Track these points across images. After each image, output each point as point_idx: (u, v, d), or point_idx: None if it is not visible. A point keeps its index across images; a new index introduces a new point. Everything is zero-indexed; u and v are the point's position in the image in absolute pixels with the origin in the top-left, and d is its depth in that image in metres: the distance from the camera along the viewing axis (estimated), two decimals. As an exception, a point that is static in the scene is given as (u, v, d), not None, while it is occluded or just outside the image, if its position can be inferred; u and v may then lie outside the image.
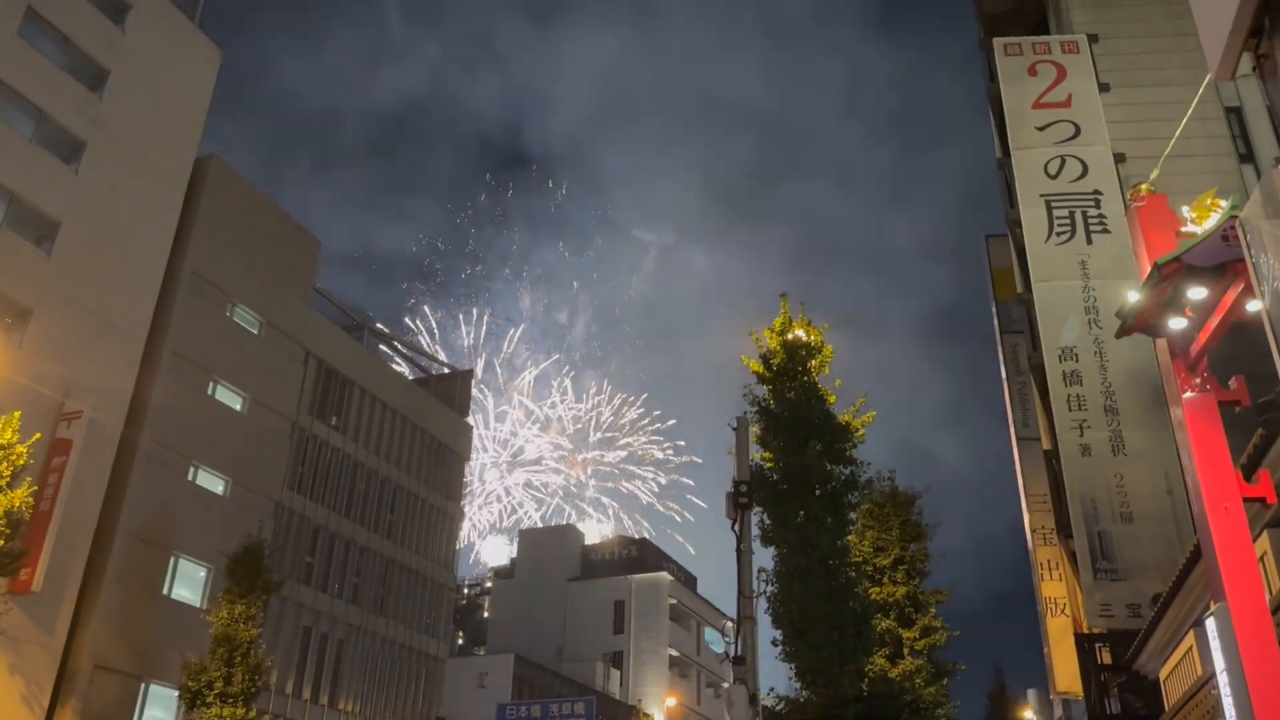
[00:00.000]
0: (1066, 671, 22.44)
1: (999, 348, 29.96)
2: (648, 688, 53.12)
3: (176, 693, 24.38)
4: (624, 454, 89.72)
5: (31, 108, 25.53)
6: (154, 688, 26.99)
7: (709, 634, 60.24)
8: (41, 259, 25.23)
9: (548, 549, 59.47)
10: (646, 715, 48.15)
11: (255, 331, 32.51)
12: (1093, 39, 23.88)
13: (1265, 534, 12.11)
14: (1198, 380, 10.57)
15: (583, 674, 50.52)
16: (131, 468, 26.99)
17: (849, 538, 18.22)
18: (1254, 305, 9.08)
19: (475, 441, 74.01)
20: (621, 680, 53.33)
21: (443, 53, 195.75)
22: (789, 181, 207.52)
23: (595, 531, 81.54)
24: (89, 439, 24.73)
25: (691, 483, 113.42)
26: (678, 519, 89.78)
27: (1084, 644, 19.55)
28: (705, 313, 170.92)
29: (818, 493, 17.33)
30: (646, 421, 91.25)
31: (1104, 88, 23.17)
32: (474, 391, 75.83)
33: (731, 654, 16.35)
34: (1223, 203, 10.00)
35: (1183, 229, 10.78)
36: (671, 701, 52.03)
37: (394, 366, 45.82)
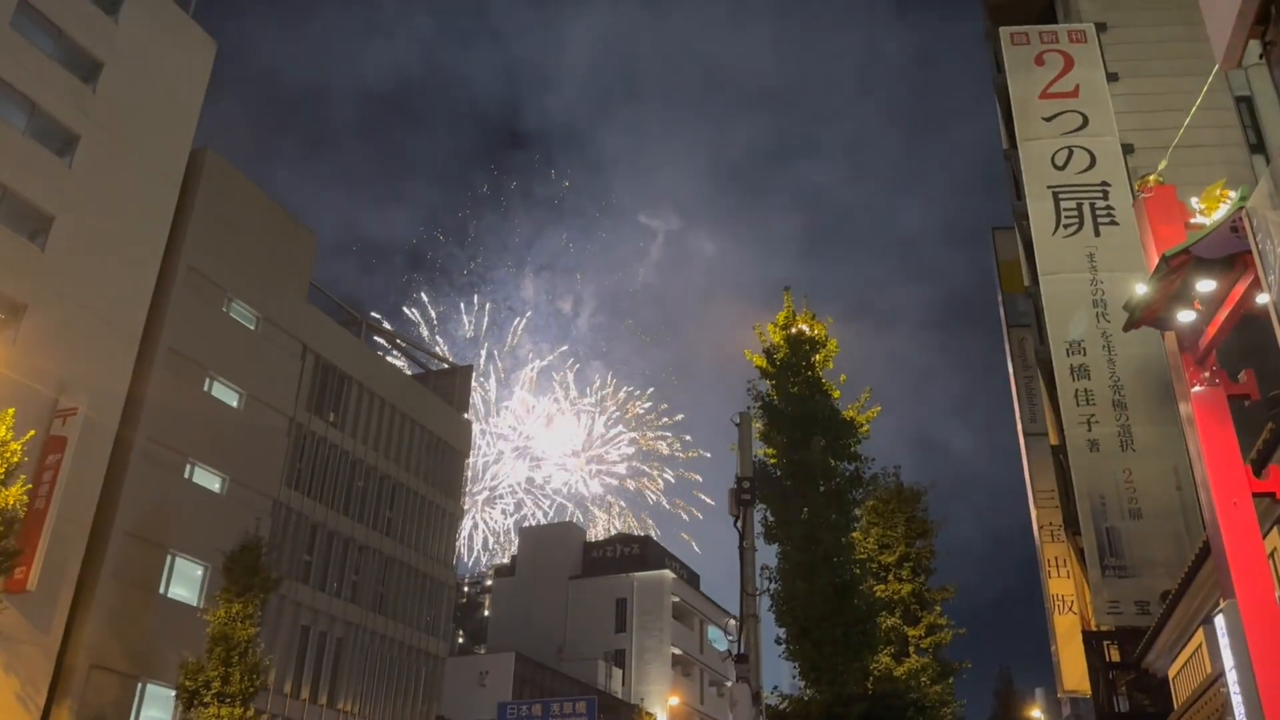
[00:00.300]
0: (1074, 669, 22.22)
1: (1006, 341, 29.69)
2: (650, 686, 52.92)
3: (174, 692, 24.17)
4: (630, 450, 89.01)
5: (24, 100, 25.28)
6: (151, 687, 26.80)
7: (712, 632, 60.04)
8: (35, 254, 24.99)
9: (549, 546, 59.31)
10: (649, 714, 47.93)
11: (252, 327, 32.29)
12: (1100, 28, 23.63)
13: (1275, 530, 11.90)
14: (1206, 374, 10.41)
15: (584, 673, 50.34)
16: (127, 465, 26.77)
17: (853, 534, 18.00)
18: (1263, 298, 8.87)
19: (477, 437, 73.98)
20: (624, 679, 53.15)
21: (436, 28, 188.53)
22: (798, 163, 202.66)
23: (603, 529, 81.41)
24: (84, 436, 24.50)
25: (700, 478, 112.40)
26: (685, 517, 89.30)
27: (1092, 642, 19.35)
28: (713, 301, 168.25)
29: (821, 489, 17.12)
30: (652, 417, 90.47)
31: (1112, 77, 22.92)
32: (475, 386, 75.86)
33: (734, 652, 16.13)
34: (1232, 193, 9.78)
35: (1191, 220, 10.60)
36: (674, 700, 51.85)
37: (392, 360, 45.63)
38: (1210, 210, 10.10)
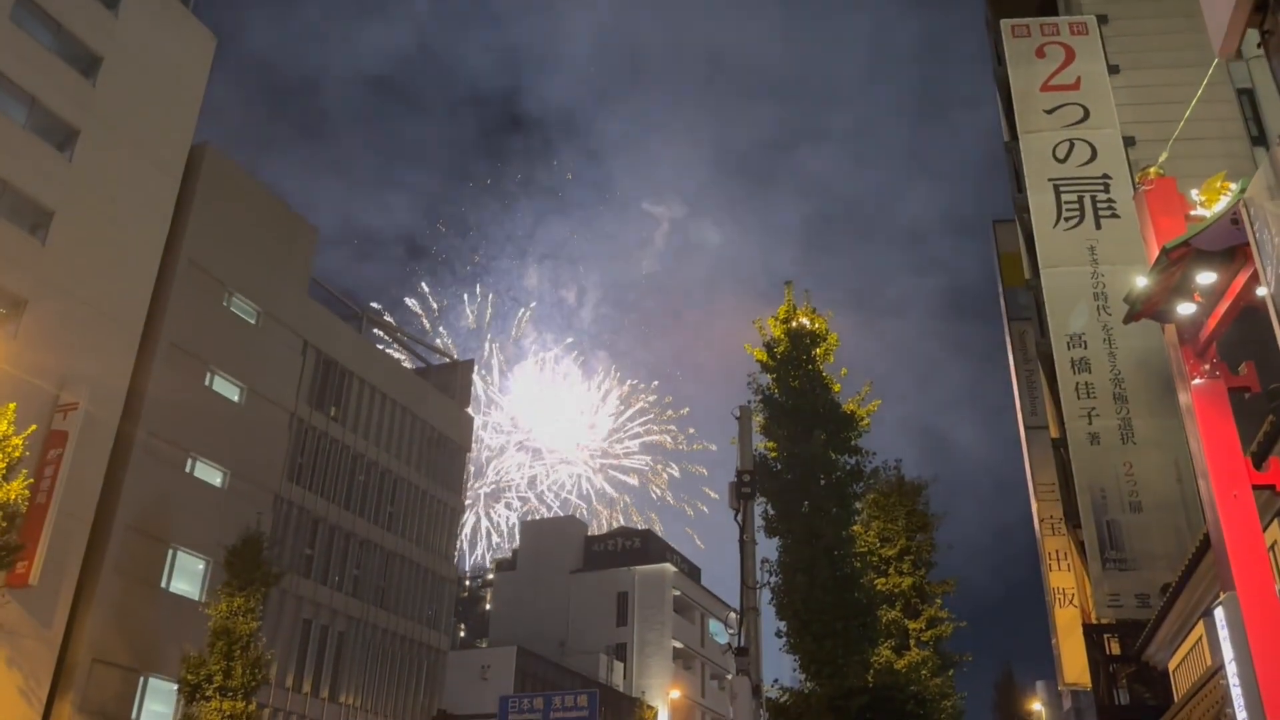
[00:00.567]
0: (1075, 662, 22.23)
1: (1006, 334, 29.67)
2: (651, 680, 52.99)
3: (175, 686, 24.22)
4: (634, 445, 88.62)
5: (24, 95, 25.26)
6: (153, 681, 26.86)
7: (713, 625, 60.12)
8: (36, 248, 24.99)
9: (550, 540, 59.35)
10: (650, 708, 48.01)
11: (253, 321, 32.29)
12: (1102, 20, 23.54)
13: (1275, 522, 11.90)
14: (1206, 366, 10.38)
15: (586, 666, 50.41)
16: (128, 460, 26.80)
17: (854, 528, 18.00)
18: (1263, 290, 8.84)
19: (479, 430, 73.88)
20: (625, 672, 53.22)
21: (431, 10, 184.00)
22: (804, 150, 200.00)
23: (606, 523, 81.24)
24: (85, 431, 24.53)
25: (705, 471, 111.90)
26: (689, 511, 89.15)
27: (1092, 635, 19.33)
28: (718, 290, 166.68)
29: (822, 482, 17.14)
30: (656, 411, 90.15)
31: (1113, 70, 22.84)
32: (477, 378, 75.69)
33: (735, 645, 16.14)
34: (1232, 185, 9.76)
35: (1192, 212, 10.56)
36: (675, 694, 51.93)
37: (392, 353, 45.60)
38: (1211, 202, 10.07)
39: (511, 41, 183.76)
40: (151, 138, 28.61)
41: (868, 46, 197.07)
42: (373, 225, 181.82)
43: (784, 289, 19.06)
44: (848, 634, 15.94)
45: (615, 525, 77.90)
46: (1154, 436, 19.14)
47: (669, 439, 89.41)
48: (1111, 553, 18.45)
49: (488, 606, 65.71)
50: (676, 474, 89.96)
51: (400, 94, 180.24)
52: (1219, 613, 9.51)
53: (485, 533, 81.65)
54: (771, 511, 17.15)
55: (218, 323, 30.71)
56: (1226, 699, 9.76)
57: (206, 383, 30.11)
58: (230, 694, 22.65)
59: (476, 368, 73.00)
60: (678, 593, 56.49)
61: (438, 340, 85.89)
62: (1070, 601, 23.90)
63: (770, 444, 17.75)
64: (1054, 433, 24.11)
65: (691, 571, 61.39)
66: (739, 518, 16.32)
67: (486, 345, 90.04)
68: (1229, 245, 9.64)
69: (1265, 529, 11.04)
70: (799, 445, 17.22)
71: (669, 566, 56.72)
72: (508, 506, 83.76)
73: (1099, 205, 21.21)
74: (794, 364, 18.09)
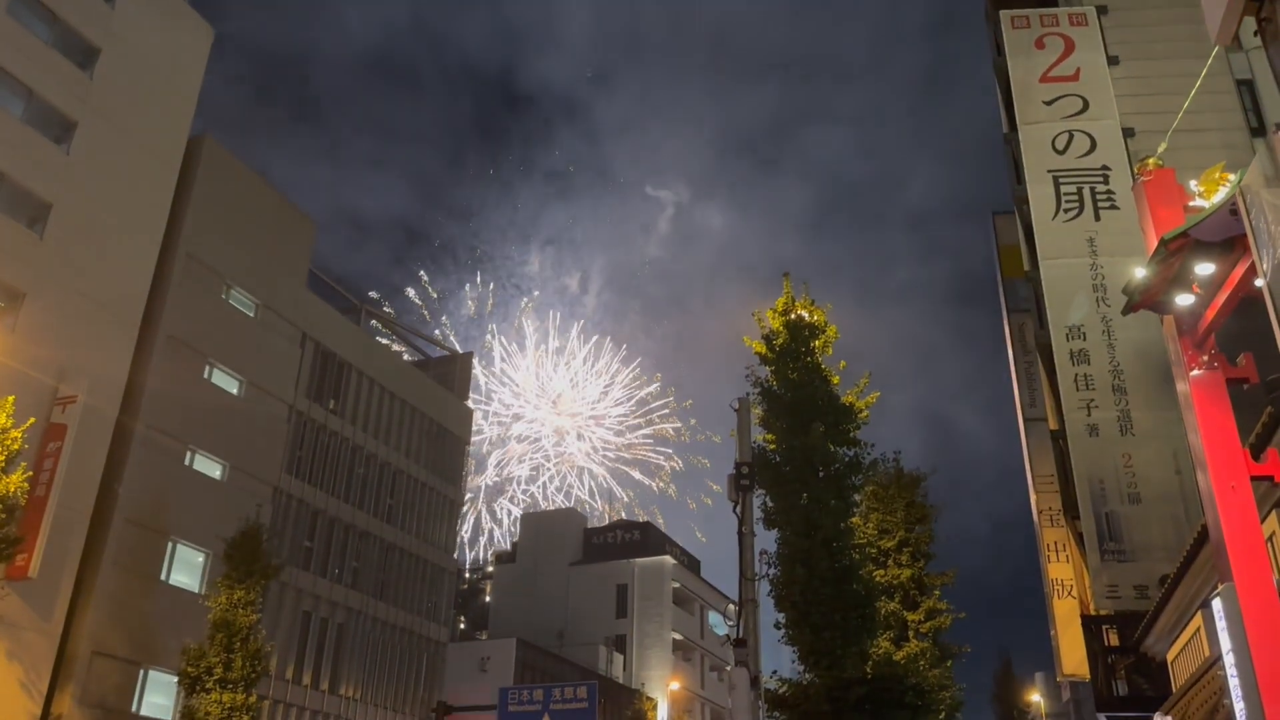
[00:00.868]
0: (1074, 654, 22.26)
1: (1006, 326, 29.65)
2: (651, 671, 53.10)
3: (175, 678, 24.25)
4: (636, 439, 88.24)
5: (21, 87, 25.18)
6: (153, 673, 26.89)
7: (712, 617, 60.22)
8: (33, 241, 24.94)
9: (549, 533, 59.43)
10: (650, 699, 48.11)
11: (251, 314, 32.26)
12: (1101, 11, 23.51)
13: (1274, 513, 11.91)
14: (1205, 357, 10.40)
15: (585, 658, 50.50)
16: (127, 452, 26.79)
17: (852, 520, 17.99)
18: (1261, 281, 8.83)
19: (479, 419, 73.74)
20: (625, 664, 53.33)
21: None
22: (810, 131, 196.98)
23: (608, 515, 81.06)
24: (84, 424, 24.50)
25: (708, 463, 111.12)
26: (692, 505, 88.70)
27: (1091, 626, 19.36)
28: (722, 277, 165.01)
29: (821, 475, 17.12)
30: (659, 402, 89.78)
31: (1113, 61, 22.81)
32: (477, 368, 75.50)
33: (734, 637, 16.14)
34: (1231, 176, 9.76)
35: (1190, 203, 10.55)
36: (675, 685, 52.02)
37: (389, 343, 45.53)
38: (1209, 193, 10.06)
39: (509, 21, 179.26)
40: (149, 130, 28.53)
41: (876, 24, 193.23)
42: (369, 210, 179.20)
43: (794, 270, 19.02)
44: (846, 625, 15.93)
45: (618, 518, 77.72)
46: (1153, 428, 19.15)
47: (671, 430, 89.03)
48: (1110, 544, 18.48)
49: (487, 599, 65.79)
50: (680, 467, 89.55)
51: (393, 74, 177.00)
52: (1217, 604, 9.53)
53: (488, 533, 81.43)
54: (770, 503, 17.14)
55: (216, 315, 30.68)
56: (1224, 689, 9.78)
57: (205, 375, 30.09)
58: (230, 686, 22.69)
59: (476, 358, 72.96)
60: (677, 585, 56.58)
61: (436, 332, 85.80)
62: (1069, 593, 23.93)
63: (769, 436, 17.74)
64: (1053, 425, 24.12)
65: (691, 563, 61.49)
66: (737, 510, 16.32)
67: (488, 334, 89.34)
68: (1228, 236, 9.64)
69: (1263, 520, 11.05)
70: (798, 437, 17.20)
71: (668, 559, 56.80)
72: (511, 500, 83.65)
73: (1098, 197, 21.19)
74: (793, 356, 18.07)
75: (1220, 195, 9.71)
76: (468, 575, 72.27)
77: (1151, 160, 11.21)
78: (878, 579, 20.95)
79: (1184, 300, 10.33)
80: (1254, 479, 9.90)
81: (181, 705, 23.72)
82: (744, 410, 17.24)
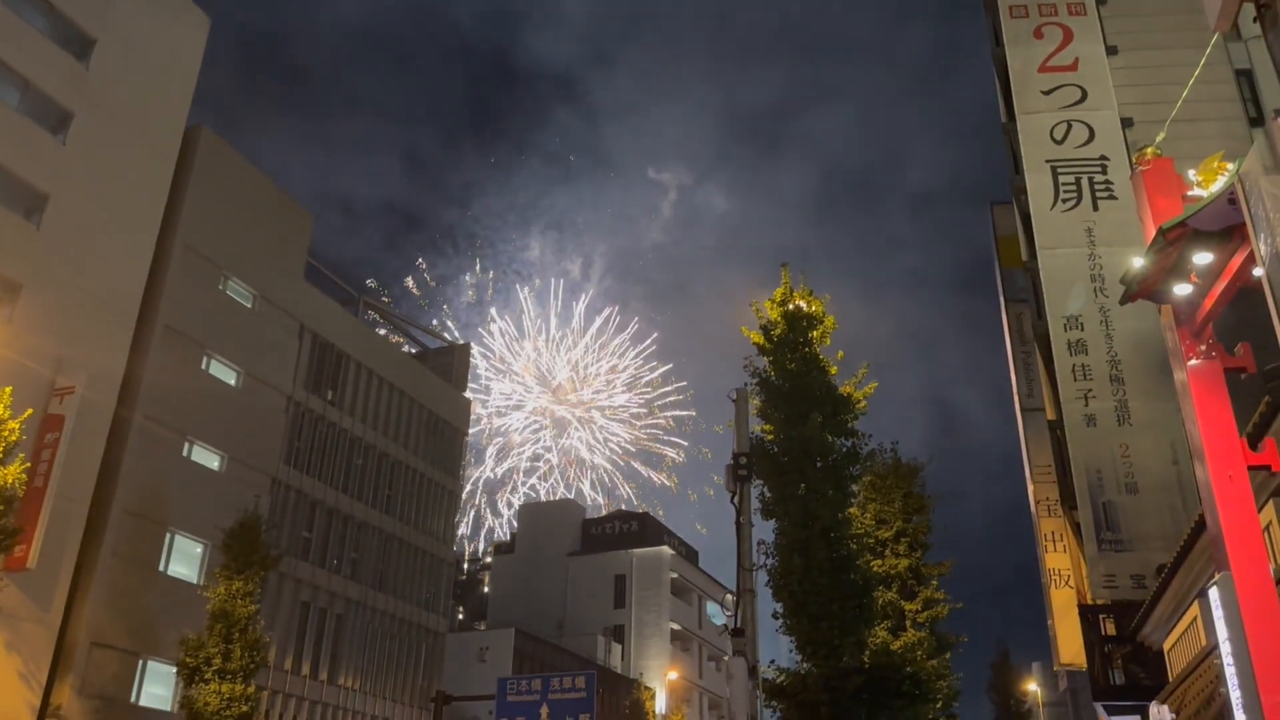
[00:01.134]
0: (1071, 643, 22.32)
1: (1004, 317, 29.66)
2: (649, 661, 53.24)
3: (174, 669, 24.28)
4: (638, 434, 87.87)
5: (17, 78, 25.09)
6: (152, 664, 26.93)
7: (710, 607, 60.31)
8: (30, 232, 24.88)
9: (548, 523, 59.50)
10: (648, 689, 48.23)
11: (249, 305, 32.22)
12: (1100, 0, 23.42)
13: (1271, 503, 11.93)
14: (1203, 347, 10.39)
15: (584, 648, 50.63)
16: (125, 444, 26.79)
17: (850, 510, 18.00)
18: (1260, 270, 8.83)
19: (478, 408, 73.54)
20: (623, 654, 53.46)
21: None
22: (815, 112, 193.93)
23: (608, 505, 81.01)
24: (82, 415, 24.47)
25: (710, 453, 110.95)
26: (693, 496, 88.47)
27: (1088, 615, 19.41)
28: (725, 263, 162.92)
29: (819, 465, 17.10)
30: (656, 393, 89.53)
31: (1111, 50, 22.76)
32: (478, 357, 75.27)
33: (731, 627, 16.17)
34: (1230, 165, 9.73)
35: (1189, 193, 10.52)
36: (673, 675, 52.17)
37: (387, 334, 45.48)
38: (1208, 182, 10.04)
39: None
40: (145, 120, 28.45)
41: (881, 2, 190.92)
42: (363, 195, 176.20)
43: (797, 257, 19.04)
44: (844, 615, 15.95)
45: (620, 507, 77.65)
46: (1150, 418, 19.18)
47: (670, 420, 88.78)
48: (1107, 534, 18.52)
49: (486, 589, 65.89)
50: (681, 459, 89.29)
51: (385, 53, 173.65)
52: (1213, 593, 9.53)
53: (488, 529, 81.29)
54: (768, 494, 17.15)
55: (214, 306, 30.64)
56: (1221, 678, 9.80)
57: (203, 366, 30.07)
58: (229, 676, 22.72)
59: (476, 346, 72.79)
60: (675, 575, 56.69)
61: (434, 322, 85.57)
62: (1066, 583, 24.00)
63: (767, 427, 17.73)
64: (1050, 415, 24.15)
65: (689, 554, 61.59)
66: (735, 500, 16.33)
67: (488, 319, 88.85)
68: (1226, 225, 9.62)
69: (1260, 510, 11.08)
70: (795, 428, 17.19)
71: (666, 549, 56.90)
72: (511, 492, 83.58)
73: (1096, 187, 21.17)
74: (790, 346, 18.05)
75: (1219, 184, 9.69)
76: (466, 566, 72.36)
77: (1150, 150, 11.18)
78: (875, 569, 20.96)
79: (1182, 290, 10.32)
80: (1251, 468, 9.90)
81: (180, 696, 23.76)
82: (741, 401, 17.23)
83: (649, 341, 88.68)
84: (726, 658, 18.83)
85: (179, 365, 28.81)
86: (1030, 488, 26.28)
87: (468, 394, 47.63)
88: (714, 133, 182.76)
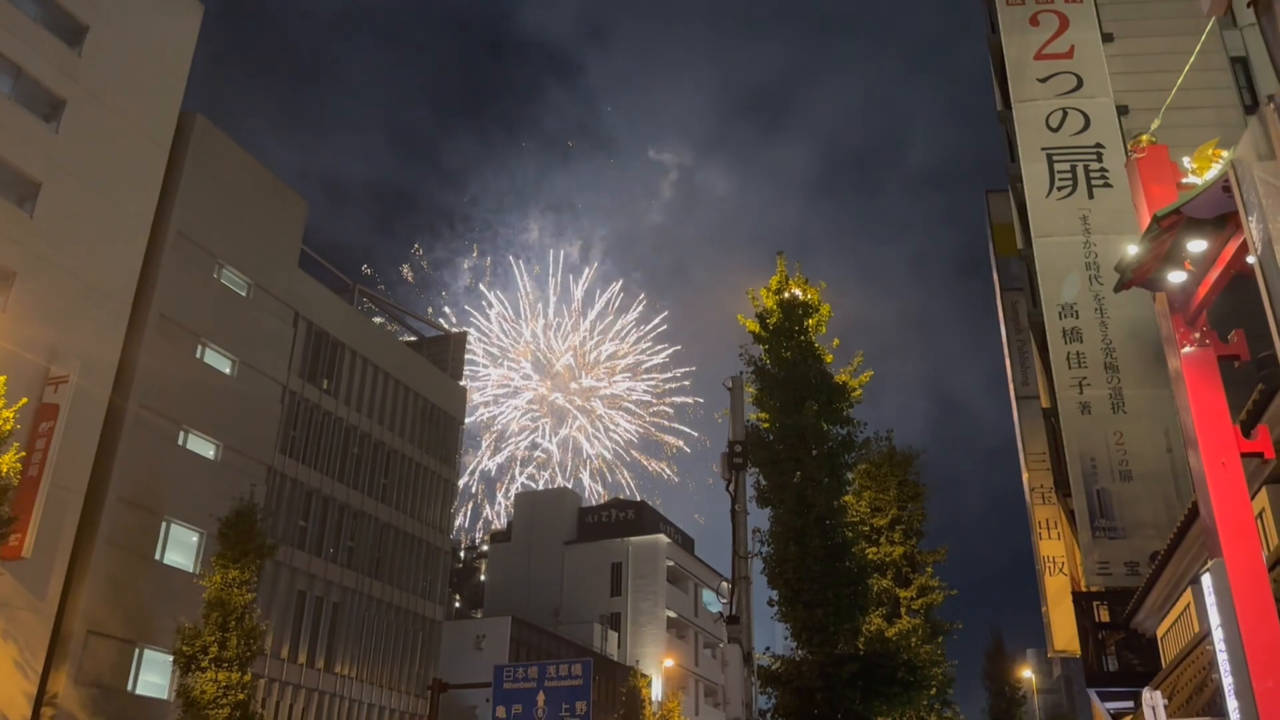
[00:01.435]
0: (1065, 630, 22.41)
1: (999, 304, 29.66)
2: (645, 649, 53.41)
3: (171, 657, 24.31)
4: (637, 427, 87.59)
5: (9, 65, 24.95)
6: (148, 653, 26.96)
7: (706, 595, 60.51)
8: (23, 220, 24.78)
9: (544, 512, 59.56)
10: (644, 676, 48.38)
11: (243, 293, 32.15)
12: (1096, -12, 23.36)
13: (1264, 490, 11.97)
14: (1197, 334, 10.39)
15: (580, 636, 50.78)
16: (120, 432, 26.74)
17: (845, 498, 18.04)
18: (1253, 258, 8.83)
19: (473, 394, 73.40)
20: (619, 642, 53.61)
21: None
22: (816, 88, 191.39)
23: (605, 493, 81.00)
24: (76, 404, 24.44)
25: (708, 441, 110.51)
26: (692, 486, 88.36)
27: (1082, 602, 19.49)
28: (725, 247, 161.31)
29: (814, 453, 17.13)
30: (656, 382, 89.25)
31: (1107, 38, 22.72)
32: (475, 343, 75.05)
33: (727, 614, 16.22)
34: (1225, 153, 9.72)
35: (1183, 180, 10.53)
36: (669, 662, 52.35)
37: (383, 322, 45.38)
38: (1202, 170, 10.04)
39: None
40: (139, 107, 28.31)
41: None
42: (358, 175, 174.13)
43: (797, 242, 19.06)
44: (839, 602, 16.00)
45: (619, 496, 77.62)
46: (1144, 406, 19.22)
47: (670, 408, 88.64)
48: (1101, 521, 18.57)
49: (483, 577, 66.00)
50: (684, 446, 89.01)
51: (379, 30, 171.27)
52: (1207, 580, 9.55)
53: (484, 520, 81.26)
54: (763, 482, 17.18)
55: (208, 295, 30.56)
56: (1213, 665, 9.84)
57: (198, 355, 30.01)
58: (225, 665, 22.76)
59: (473, 331, 72.60)
60: (671, 563, 56.82)
61: (429, 309, 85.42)
62: (1060, 570, 24.07)
63: (762, 415, 17.77)
64: (1045, 402, 24.20)
65: (685, 542, 61.72)
66: (731, 488, 16.36)
67: (485, 303, 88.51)
68: (1220, 213, 9.62)
69: (1253, 497, 11.11)
70: (791, 416, 17.22)
71: (662, 538, 57.02)
72: (509, 480, 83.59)
73: (1092, 174, 21.16)
74: (786, 335, 18.06)
75: (1213, 172, 9.69)
76: (463, 554, 72.41)
77: (1145, 137, 11.18)
78: (870, 556, 21.01)
79: (1176, 277, 10.32)
80: (1244, 456, 9.91)
81: (177, 684, 23.80)
82: (737, 389, 17.25)
83: (659, 319, 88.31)
84: (722, 645, 18.90)
85: (174, 354, 28.76)
86: (1025, 475, 26.33)
87: (464, 382, 47.61)
88: (714, 111, 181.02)
